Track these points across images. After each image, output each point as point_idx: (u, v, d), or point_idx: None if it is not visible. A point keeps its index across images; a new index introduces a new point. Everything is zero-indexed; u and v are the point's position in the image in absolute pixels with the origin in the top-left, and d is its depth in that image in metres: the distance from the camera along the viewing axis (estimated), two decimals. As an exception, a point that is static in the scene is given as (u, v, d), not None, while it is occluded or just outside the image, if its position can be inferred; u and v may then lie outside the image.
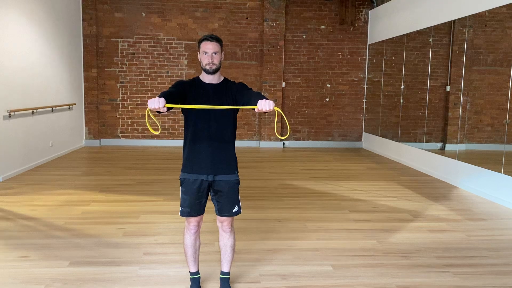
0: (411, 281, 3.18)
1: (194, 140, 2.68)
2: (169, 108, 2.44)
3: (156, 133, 2.64)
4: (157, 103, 2.29)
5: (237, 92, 2.70)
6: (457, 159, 6.32)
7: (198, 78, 2.75)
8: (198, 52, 2.74)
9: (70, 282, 3.05)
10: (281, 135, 2.76)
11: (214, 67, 2.66)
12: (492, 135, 6.20)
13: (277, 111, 2.48)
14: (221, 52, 2.70)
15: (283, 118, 2.54)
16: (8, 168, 6.14)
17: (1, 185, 5.75)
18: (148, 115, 2.32)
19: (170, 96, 2.47)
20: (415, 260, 3.56)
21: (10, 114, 6.13)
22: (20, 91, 6.48)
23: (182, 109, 2.73)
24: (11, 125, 6.23)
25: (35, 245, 3.72)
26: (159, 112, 2.39)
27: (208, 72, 2.67)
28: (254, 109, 2.44)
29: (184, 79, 2.84)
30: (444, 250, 3.78)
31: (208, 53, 2.64)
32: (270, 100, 2.39)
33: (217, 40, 2.68)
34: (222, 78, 2.77)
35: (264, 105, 2.36)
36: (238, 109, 2.75)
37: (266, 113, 2.55)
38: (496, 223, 4.59)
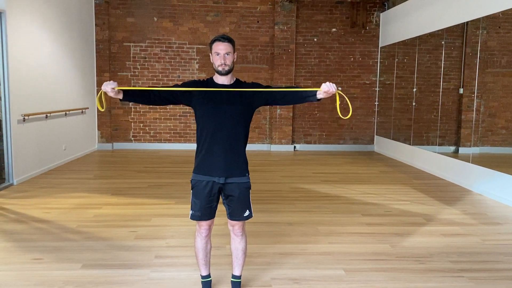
0: (424, 286, 3.14)
1: (207, 142, 2.66)
2: (129, 99, 2.66)
3: (101, 109, 2.72)
4: (106, 85, 2.51)
5: (254, 94, 2.68)
6: (471, 162, 6.23)
7: (211, 78, 2.74)
8: (210, 54, 2.70)
9: (82, 284, 3.07)
10: (344, 116, 2.78)
11: (226, 68, 2.63)
12: (506, 138, 6.11)
13: (339, 93, 2.56)
14: (234, 52, 2.66)
15: (345, 99, 2.57)
16: (22, 171, 6.22)
17: (15, 188, 5.83)
18: (100, 95, 2.50)
19: (150, 92, 2.67)
20: (428, 264, 3.52)
21: (24, 118, 6.21)
22: (34, 95, 6.57)
23: (194, 111, 2.73)
24: (25, 129, 6.31)
25: (48, 247, 3.75)
26: (121, 100, 2.64)
27: (220, 73, 2.64)
28: (316, 91, 2.55)
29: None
30: (459, 255, 3.72)
31: (220, 54, 2.61)
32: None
33: (229, 40, 2.64)
34: (234, 79, 2.74)
35: (330, 86, 2.49)
36: (252, 112, 2.73)
37: (319, 100, 2.64)
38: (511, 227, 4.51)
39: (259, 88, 2.70)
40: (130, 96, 2.67)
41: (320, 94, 2.57)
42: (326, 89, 2.51)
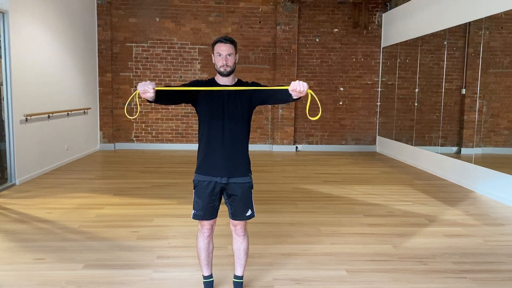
0: (427, 287, 3.13)
1: (208, 142, 2.68)
2: (159, 99, 2.45)
3: (130, 118, 2.63)
4: (145, 85, 2.33)
5: (252, 93, 2.69)
6: (473, 163, 6.22)
7: (213, 79, 2.76)
8: (212, 55, 2.73)
9: (84, 284, 3.07)
10: (312, 117, 2.67)
11: (228, 69, 2.65)
12: (509, 138, 6.10)
13: (310, 94, 2.45)
14: (236, 54, 2.69)
15: (316, 100, 2.47)
16: (25, 171, 6.23)
17: (18, 188, 5.84)
18: (134, 98, 2.32)
19: (170, 90, 2.51)
20: (431, 265, 3.51)
21: (26, 118, 6.22)
22: (36, 96, 6.58)
23: (196, 110, 2.74)
24: (28, 129, 6.32)
25: (50, 247, 3.75)
26: (149, 101, 2.43)
27: (222, 74, 2.67)
28: (287, 89, 2.43)
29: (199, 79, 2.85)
30: (461, 256, 3.71)
31: (222, 55, 2.64)
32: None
33: (231, 41, 2.67)
34: (236, 79, 2.77)
35: (298, 85, 2.36)
36: (252, 111, 2.74)
37: (296, 100, 2.52)
38: (514, 228, 4.50)
39: (254, 91, 2.70)
40: (159, 95, 2.48)
41: (293, 93, 2.43)
42: (293, 87, 2.39)
